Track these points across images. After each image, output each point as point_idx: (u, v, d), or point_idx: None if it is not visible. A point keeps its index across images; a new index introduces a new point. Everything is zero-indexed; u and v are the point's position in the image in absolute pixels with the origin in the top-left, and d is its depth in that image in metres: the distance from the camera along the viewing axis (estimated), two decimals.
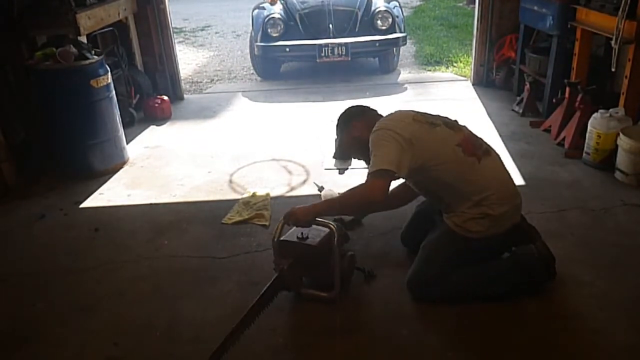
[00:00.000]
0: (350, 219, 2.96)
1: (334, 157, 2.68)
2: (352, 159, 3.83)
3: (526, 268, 2.34)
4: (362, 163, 2.49)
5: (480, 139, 2.43)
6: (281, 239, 2.36)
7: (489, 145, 2.43)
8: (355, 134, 2.45)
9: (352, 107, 2.62)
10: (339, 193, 2.82)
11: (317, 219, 2.33)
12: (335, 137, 2.61)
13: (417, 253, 2.44)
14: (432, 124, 2.33)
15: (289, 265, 2.30)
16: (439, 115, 2.44)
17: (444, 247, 2.36)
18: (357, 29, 6.00)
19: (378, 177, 2.20)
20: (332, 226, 2.32)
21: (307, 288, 2.42)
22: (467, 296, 2.35)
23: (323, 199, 3.03)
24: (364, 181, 2.27)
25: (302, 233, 2.36)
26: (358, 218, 2.98)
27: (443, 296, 2.35)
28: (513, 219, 2.36)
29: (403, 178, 2.40)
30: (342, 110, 2.60)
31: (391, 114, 2.45)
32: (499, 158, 2.44)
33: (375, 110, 2.55)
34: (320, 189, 3.42)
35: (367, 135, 2.33)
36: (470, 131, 2.42)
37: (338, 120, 2.58)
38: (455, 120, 2.45)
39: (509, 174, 2.43)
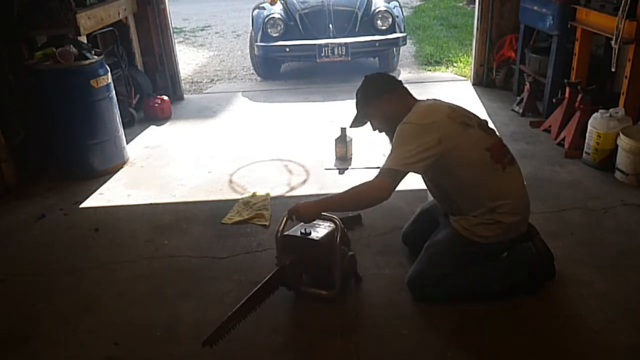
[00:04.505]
0: (351, 214, 2.97)
1: (351, 125, 2.53)
2: (352, 161, 3.83)
3: (525, 266, 2.35)
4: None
5: (507, 147, 2.38)
6: (285, 234, 2.36)
7: (513, 155, 2.38)
8: (386, 108, 2.34)
9: (383, 75, 2.49)
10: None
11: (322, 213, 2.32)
12: (357, 100, 2.46)
13: (418, 253, 2.44)
14: (466, 124, 2.25)
15: (291, 261, 2.31)
16: (473, 115, 2.35)
17: (448, 249, 2.35)
18: (357, 29, 6.00)
19: (387, 176, 2.17)
20: (336, 220, 2.34)
21: (307, 286, 2.43)
22: (467, 296, 2.35)
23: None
24: (373, 177, 2.22)
25: (305, 229, 2.37)
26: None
27: (443, 297, 2.35)
28: (520, 229, 2.36)
29: (418, 173, 2.31)
30: (372, 76, 2.47)
31: (426, 104, 2.34)
32: (520, 170, 2.41)
33: (406, 89, 2.42)
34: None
35: (397, 112, 2.27)
36: (499, 137, 2.37)
37: (367, 86, 2.42)
38: (486, 121, 2.37)
39: (525, 187, 2.42)
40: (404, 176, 2.21)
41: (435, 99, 2.45)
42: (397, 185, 2.20)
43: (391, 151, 2.23)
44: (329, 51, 5.75)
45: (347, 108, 5.15)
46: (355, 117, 2.50)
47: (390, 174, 2.17)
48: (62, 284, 2.68)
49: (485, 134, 2.29)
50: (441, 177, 2.31)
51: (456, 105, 2.36)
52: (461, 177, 2.24)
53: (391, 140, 2.33)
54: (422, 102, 2.37)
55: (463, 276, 2.35)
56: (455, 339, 2.20)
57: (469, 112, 2.36)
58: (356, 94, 2.45)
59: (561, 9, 4.01)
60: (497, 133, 2.39)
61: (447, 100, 2.41)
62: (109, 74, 3.84)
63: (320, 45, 5.74)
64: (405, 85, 2.44)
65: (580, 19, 3.91)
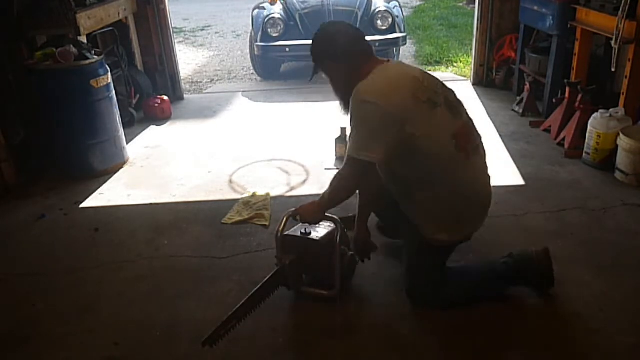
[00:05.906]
0: (351, 214, 2.97)
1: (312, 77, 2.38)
2: None
3: (524, 277, 2.35)
4: None
5: (476, 129, 2.26)
6: (285, 234, 2.37)
7: (481, 140, 2.27)
8: (344, 75, 2.18)
9: (342, 32, 2.20)
10: None
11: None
12: (312, 52, 2.26)
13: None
14: (433, 102, 2.07)
15: (291, 260, 2.31)
16: (441, 87, 2.18)
17: (420, 258, 2.32)
18: None
19: (352, 166, 2.10)
20: (337, 220, 2.33)
21: (307, 286, 2.44)
22: (466, 302, 2.35)
23: None
24: (344, 165, 2.15)
25: (305, 229, 2.38)
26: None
27: (443, 305, 2.33)
28: (477, 225, 2.31)
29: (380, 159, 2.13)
30: (332, 30, 2.22)
31: (389, 75, 2.12)
32: (485, 157, 2.30)
33: (368, 47, 2.20)
34: None
35: (355, 81, 2.11)
36: (468, 117, 2.22)
37: (325, 41, 2.20)
38: (453, 93, 2.22)
39: (489, 177, 2.31)
40: (370, 162, 2.09)
41: (400, 63, 2.36)
42: (363, 173, 2.13)
43: (351, 136, 2.11)
44: None
45: None
46: (314, 68, 2.31)
47: (355, 163, 2.08)
48: (62, 284, 2.68)
49: (451, 116, 2.12)
50: (398, 166, 2.18)
51: (424, 74, 2.18)
52: (422, 165, 2.12)
53: (343, 108, 2.25)
54: (385, 67, 2.15)
55: (461, 287, 2.35)
56: (455, 339, 2.20)
57: (436, 82, 2.18)
58: (313, 43, 2.24)
59: (561, 9, 4.01)
60: (464, 108, 2.23)
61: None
62: (109, 74, 3.84)
63: None
64: (367, 53, 2.20)
65: (580, 19, 3.91)
